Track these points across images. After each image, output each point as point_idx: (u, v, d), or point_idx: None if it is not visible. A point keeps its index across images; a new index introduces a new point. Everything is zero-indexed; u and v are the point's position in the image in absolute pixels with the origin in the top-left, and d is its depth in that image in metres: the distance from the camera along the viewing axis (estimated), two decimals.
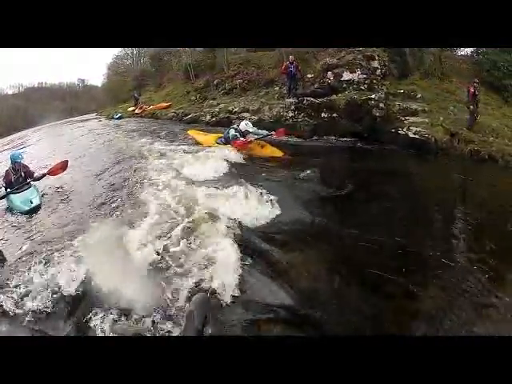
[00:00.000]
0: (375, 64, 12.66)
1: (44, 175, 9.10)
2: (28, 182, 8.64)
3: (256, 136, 10.53)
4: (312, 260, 4.85)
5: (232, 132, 10.56)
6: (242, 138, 10.31)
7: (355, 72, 12.59)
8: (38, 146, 20.37)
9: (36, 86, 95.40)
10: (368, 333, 3.58)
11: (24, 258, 5.53)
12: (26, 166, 8.98)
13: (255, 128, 10.84)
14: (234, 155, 9.48)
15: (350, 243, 5.20)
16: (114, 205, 6.92)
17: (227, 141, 10.66)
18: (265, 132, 10.66)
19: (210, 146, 10.83)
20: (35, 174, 8.94)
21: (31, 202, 7.86)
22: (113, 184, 8.39)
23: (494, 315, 3.83)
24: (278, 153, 10.05)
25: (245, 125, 10.70)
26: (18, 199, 8.03)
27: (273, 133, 10.67)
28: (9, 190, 8.39)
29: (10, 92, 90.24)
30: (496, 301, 4.04)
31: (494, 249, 5.00)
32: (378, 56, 12.75)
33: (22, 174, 8.71)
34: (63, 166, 9.52)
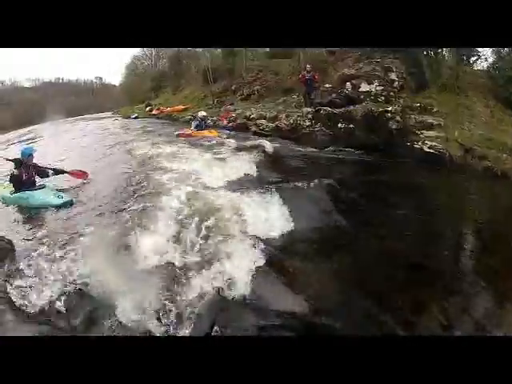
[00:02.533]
0: (393, 76, 12.65)
1: (64, 172, 8.93)
2: (39, 180, 8.46)
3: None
4: (323, 269, 4.89)
5: (194, 122, 15.15)
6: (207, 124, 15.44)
7: (373, 83, 12.55)
8: (52, 142, 20.61)
9: (53, 80, 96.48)
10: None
11: (35, 252, 5.50)
12: (36, 164, 8.55)
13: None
14: (252, 159, 9.67)
15: (362, 254, 5.24)
16: (127, 204, 6.87)
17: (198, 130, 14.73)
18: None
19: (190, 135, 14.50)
20: (50, 171, 8.67)
21: (62, 197, 7.67)
22: (128, 183, 8.28)
23: (504, 330, 3.88)
24: (214, 134, 14.22)
25: (202, 115, 15.47)
26: (38, 195, 7.82)
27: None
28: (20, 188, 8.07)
29: (27, 85, 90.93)
30: (504, 315, 4.13)
31: (504, 264, 5.00)
32: (395, 68, 12.76)
33: (33, 171, 8.39)
34: (83, 176, 9.25)
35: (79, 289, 4.59)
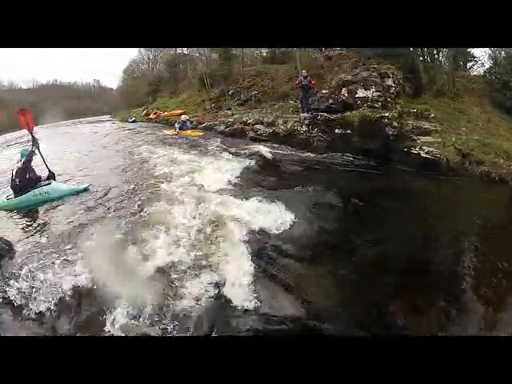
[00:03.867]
0: (389, 82, 12.67)
1: (34, 141, 8.51)
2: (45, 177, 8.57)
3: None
4: (323, 273, 4.91)
5: (177, 125, 18.04)
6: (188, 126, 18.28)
7: (369, 89, 12.60)
8: (49, 144, 20.68)
9: (50, 82, 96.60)
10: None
11: (34, 253, 5.58)
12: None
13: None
14: (252, 162, 10.00)
15: (361, 259, 5.28)
16: (126, 208, 6.99)
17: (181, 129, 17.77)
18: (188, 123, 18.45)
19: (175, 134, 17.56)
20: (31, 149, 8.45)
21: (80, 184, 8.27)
22: (127, 187, 8.44)
23: (501, 331, 3.93)
24: (199, 133, 17.17)
25: (184, 118, 18.77)
26: (58, 186, 8.34)
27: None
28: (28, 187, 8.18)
29: (24, 87, 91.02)
30: (502, 317, 4.19)
31: (501, 268, 5.04)
32: (392, 74, 12.79)
33: (34, 171, 8.52)
34: (22, 114, 8.79)
35: (78, 290, 4.61)
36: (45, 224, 6.98)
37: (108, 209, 7.15)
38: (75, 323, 4.26)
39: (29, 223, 7.19)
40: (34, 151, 8.38)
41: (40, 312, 4.37)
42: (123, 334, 3.98)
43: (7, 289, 4.75)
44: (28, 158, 8.17)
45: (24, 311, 4.40)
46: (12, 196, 8.16)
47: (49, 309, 4.41)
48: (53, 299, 4.50)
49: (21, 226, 7.11)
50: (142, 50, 51.50)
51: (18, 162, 8.25)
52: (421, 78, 13.65)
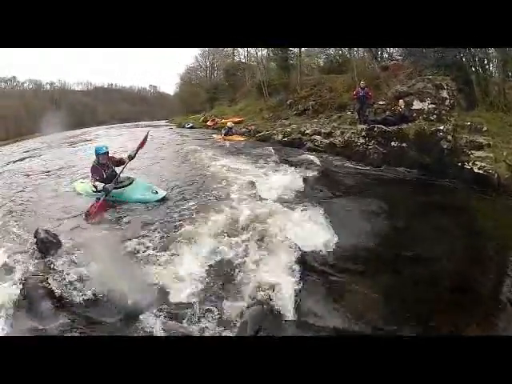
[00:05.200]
0: (444, 94, 12.54)
1: (137, 150, 8.66)
2: (119, 172, 8.37)
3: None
4: (369, 287, 4.92)
5: (223, 130, 20.65)
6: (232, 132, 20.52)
7: (425, 101, 12.53)
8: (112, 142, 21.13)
9: (106, 86, 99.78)
10: None
11: (80, 248, 5.84)
12: (112, 157, 8.71)
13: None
14: (308, 173, 10.09)
15: (405, 274, 5.29)
16: (182, 212, 7.16)
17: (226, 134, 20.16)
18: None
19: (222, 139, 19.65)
20: (124, 157, 8.63)
21: (156, 192, 8.07)
22: (183, 193, 8.57)
23: None
24: (242, 138, 19.65)
25: (230, 124, 21.15)
26: (135, 191, 8.16)
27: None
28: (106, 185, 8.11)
29: (78, 88, 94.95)
30: None
31: None
32: (446, 85, 12.65)
33: (112, 167, 8.50)
34: (145, 136, 9.17)
35: (124, 287, 4.76)
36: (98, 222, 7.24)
37: (168, 209, 7.46)
38: (119, 318, 4.46)
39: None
40: (123, 161, 8.50)
41: (80, 303, 4.64)
42: (165, 334, 4.06)
43: (50, 280, 5.03)
44: (105, 161, 8.30)
45: (64, 302, 4.67)
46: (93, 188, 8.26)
47: (90, 301, 4.67)
48: (95, 293, 4.74)
49: (73, 220, 7.46)
50: (199, 56, 52.46)
51: (94, 161, 8.38)
52: (474, 90, 13.29)
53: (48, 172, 14.37)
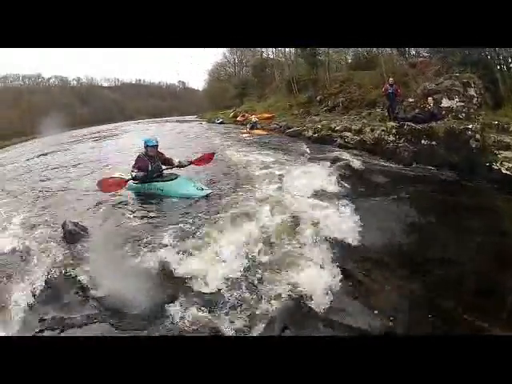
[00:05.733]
0: (471, 91, 12.52)
1: (190, 163, 8.86)
2: (164, 169, 8.42)
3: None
4: (395, 286, 4.81)
5: (249, 125, 22.84)
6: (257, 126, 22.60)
7: (453, 99, 12.51)
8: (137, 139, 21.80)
9: (134, 82, 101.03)
10: None
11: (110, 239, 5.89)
12: (161, 153, 8.63)
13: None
14: (337, 169, 9.97)
15: (436, 275, 5.10)
16: (216, 206, 7.12)
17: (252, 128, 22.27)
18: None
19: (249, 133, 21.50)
20: (176, 160, 8.63)
21: (202, 189, 7.82)
22: (219, 189, 8.49)
23: None
24: (265, 132, 20.98)
25: (254, 119, 23.48)
26: (179, 186, 7.96)
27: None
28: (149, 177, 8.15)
29: (105, 84, 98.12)
30: None
31: None
32: (473, 83, 12.61)
33: (159, 161, 8.45)
34: (209, 158, 9.38)
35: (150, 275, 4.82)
36: (133, 211, 7.35)
37: (205, 203, 7.40)
38: (149, 307, 4.39)
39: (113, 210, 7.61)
40: (171, 162, 8.53)
41: (103, 296, 4.59)
42: (191, 327, 3.99)
43: (77, 270, 5.10)
44: (153, 154, 8.29)
45: (90, 293, 4.68)
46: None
47: (116, 292, 4.55)
48: (120, 285, 4.61)
49: (102, 212, 7.58)
50: (227, 52, 53.38)
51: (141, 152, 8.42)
52: (500, 89, 13.23)
53: (77, 165, 15.13)
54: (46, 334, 4.09)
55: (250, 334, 3.88)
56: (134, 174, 8.09)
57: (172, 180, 8.20)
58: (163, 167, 8.46)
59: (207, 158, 9.42)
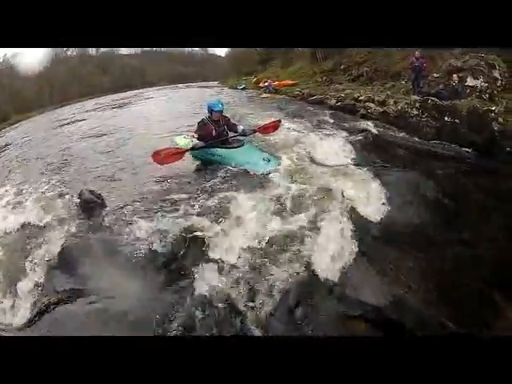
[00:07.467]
0: (496, 74, 12.42)
1: (254, 131, 8.53)
2: (231, 136, 8.10)
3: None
4: (413, 265, 4.69)
5: (267, 90, 26.93)
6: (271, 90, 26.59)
7: (478, 79, 12.44)
8: (159, 106, 22.09)
9: (154, 49, 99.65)
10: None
11: (124, 209, 5.94)
12: (227, 117, 8.24)
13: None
14: (361, 139, 9.91)
15: (454, 255, 4.97)
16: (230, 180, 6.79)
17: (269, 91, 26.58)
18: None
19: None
20: (240, 127, 8.16)
21: (269, 160, 7.15)
22: None
23: None
24: (279, 96, 24.50)
25: (268, 82, 27.97)
26: (244, 155, 7.41)
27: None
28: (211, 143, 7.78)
29: (125, 52, 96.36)
30: None
31: None
32: (498, 66, 12.49)
33: (224, 126, 8.07)
34: (276, 125, 8.97)
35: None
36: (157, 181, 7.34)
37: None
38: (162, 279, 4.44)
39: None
40: (235, 129, 8.21)
41: (123, 264, 4.62)
42: (206, 293, 3.99)
43: (92, 240, 5.17)
44: (217, 119, 8.01)
45: (108, 263, 4.71)
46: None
47: (130, 261, 4.62)
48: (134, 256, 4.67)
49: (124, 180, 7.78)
50: None
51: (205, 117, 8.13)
52: None
53: (102, 135, 15.52)
54: (60, 306, 4.23)
55: (263, 311, 3.84)
56: (192, 143, 8.01)
57: (235, 148, 7.74)
58: (230, 134, 8.16)
59: (273, 126, 9.01)
